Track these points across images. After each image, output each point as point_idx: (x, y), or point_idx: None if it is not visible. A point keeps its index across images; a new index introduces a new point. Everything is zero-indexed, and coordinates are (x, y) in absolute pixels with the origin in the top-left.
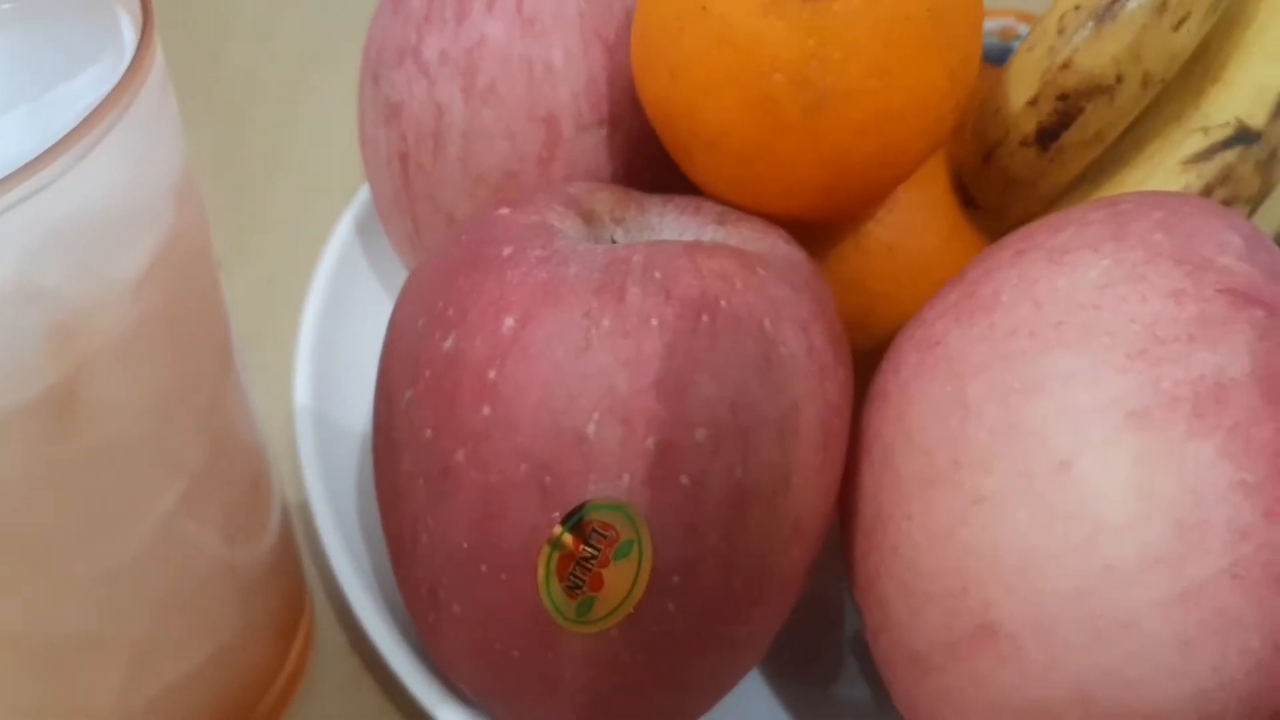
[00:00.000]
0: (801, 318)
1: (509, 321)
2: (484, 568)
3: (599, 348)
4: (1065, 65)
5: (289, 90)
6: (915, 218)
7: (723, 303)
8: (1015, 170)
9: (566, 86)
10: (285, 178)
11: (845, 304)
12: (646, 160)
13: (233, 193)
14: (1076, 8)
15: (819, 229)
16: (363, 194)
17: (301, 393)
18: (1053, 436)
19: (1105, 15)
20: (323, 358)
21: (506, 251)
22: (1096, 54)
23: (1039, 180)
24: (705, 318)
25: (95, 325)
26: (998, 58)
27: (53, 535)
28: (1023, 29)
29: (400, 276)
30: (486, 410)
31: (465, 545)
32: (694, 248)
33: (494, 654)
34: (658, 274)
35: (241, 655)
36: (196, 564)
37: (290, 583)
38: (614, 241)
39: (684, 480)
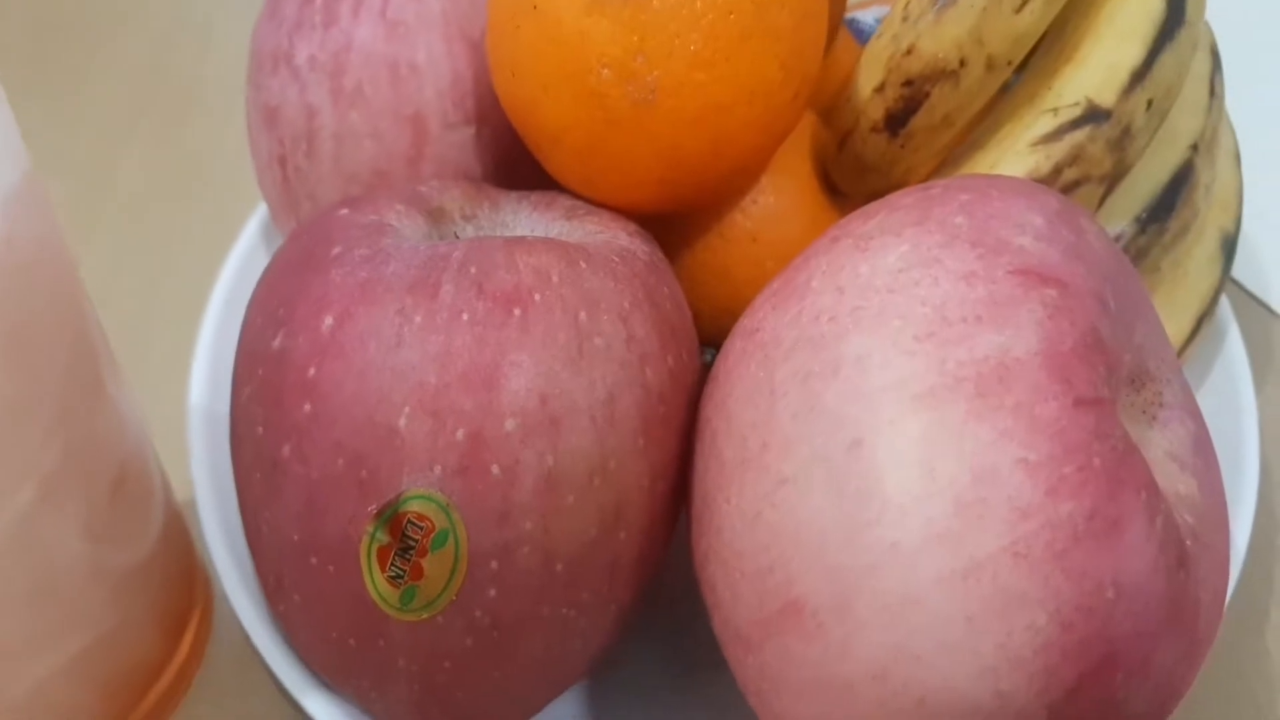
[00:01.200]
0: (622, 308)
1: (328, 320)
2: (314, 559)
3: (410, 343)
4: (909, 51)
5: (225, 98)
6: (778, 206)
7: (536, 296)
8: (868, 157)
9: (431, 86)
10: (210, 182)
11: (713, 292)
12: (516, 156)
13: (156, 196)
14: None
15: (686, 220)
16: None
17: (196, 391)
18: (846, 418)
19: (946, 0)
20: (220, 357)
21: (335, 251)
22: (938, 38)
23: (892, 166)
24: (517, 311)
25: None
26: None
27: None
28: None
29: None
30: (307, 406)
31: (296, 537)
32: (515, 243)
33: (334, 643)
34: (473, 270)
35: (120, 649)
36: (58, 561)
37: (177, 577)
38: (458, 238)
39: (495, 470)
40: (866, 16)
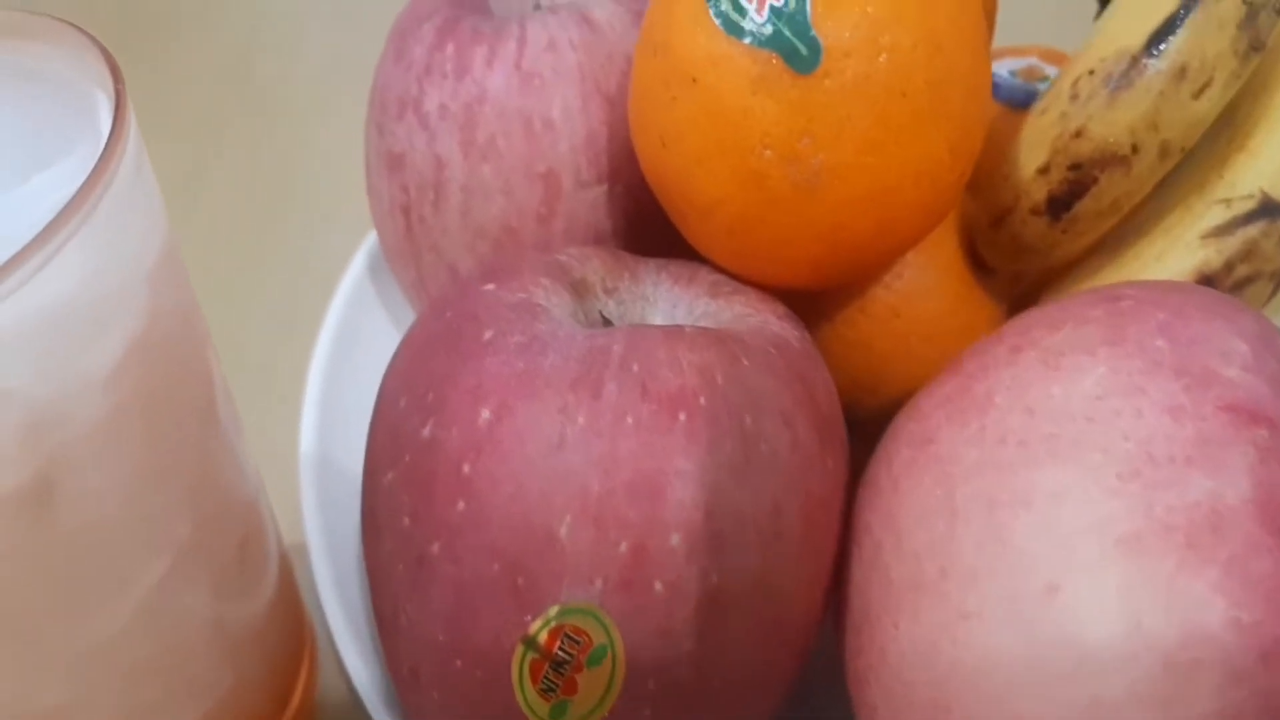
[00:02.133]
0: (785, 409)
1: (484, 414)
2: (459, 662)
3: (573, 446)
4: (1078, 133)
5: (314, 107)
6: (922, 282)
7: (701, 400)
8: (1026, 238)
9: (565, 142)
10: (304, 203)
11: (852, 365)
12: (648, 216)
13: (252, 217)
14: (1090, 72)
15: (827, 293)
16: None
17: (307, 438)
18: (1040, 557)
19: (1121, 82)
20: (330, 399)
21: (487, 335)
22: (1111, 123)
23: (1051, 249)
24: (683, 416)
25: (67, 418)
26: (1021, 101)
27: (32, 613)
28: (1049, 69)
29: (411, 318)
30: (461, 505)
31: (441, 638)
32: (675, 337)
33: None
34: (636, 367)
35: (235, 711)
36: (183, 631)
37: (288, 631)
38: (604, 316)
39: (658, 587)
40: (1000, 69)
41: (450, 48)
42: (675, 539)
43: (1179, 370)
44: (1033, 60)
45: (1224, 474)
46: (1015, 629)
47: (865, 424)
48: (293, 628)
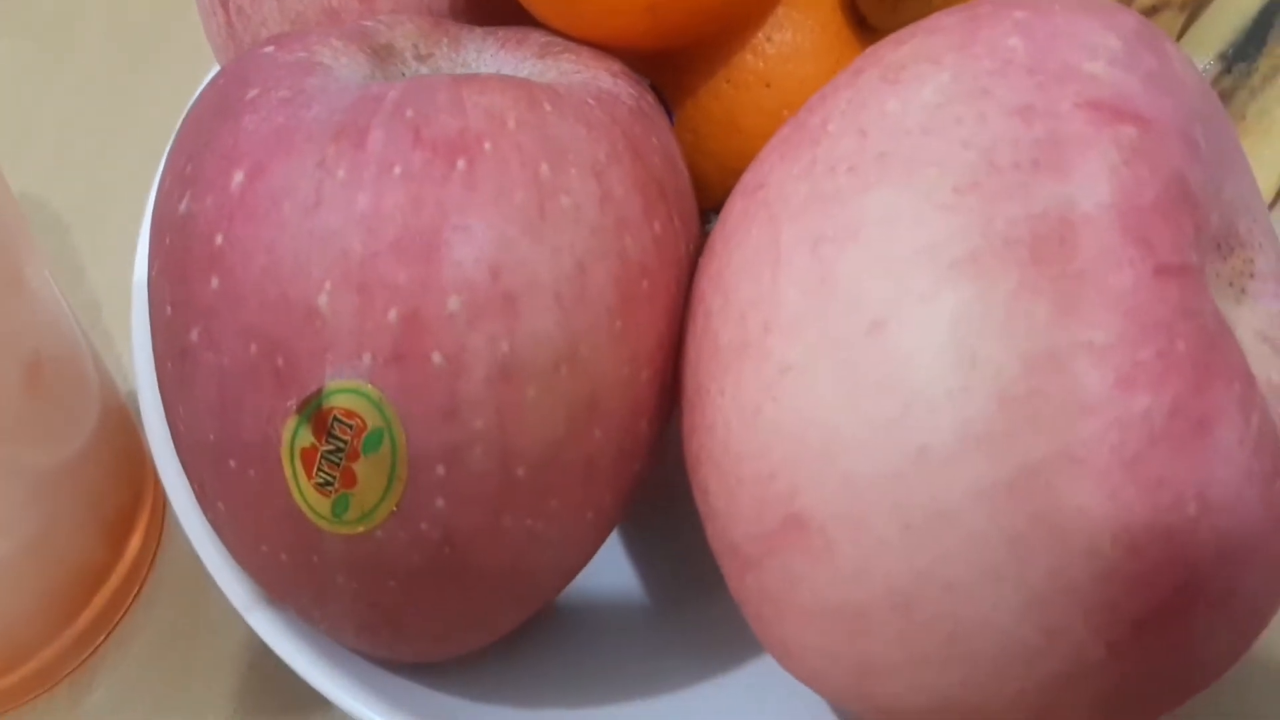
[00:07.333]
0: (596, 161)
1: (238, 176)
2: (232, 463)
3: (331, 203)
4: None
5: None
6: (796, 45)
7: (486, 145)
8: None
9: None
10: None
11: (719, 147)
12: None
13: (120, 40)
14: None
15: (687, 63)
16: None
17: (142, 267)
18: (866, 292)
19: None
20: None
21: (251, 94)
22: None
23: None
24: (461, 163)
25: None
26: None
27: None
28: None
29: None
30: (215, 281)
31: (212, 437)
32: (464, 81)
33: (264, 557)
34: (410, 113)
35: (53, 552)
36: None
37: (118, 474)
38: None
39: (436, 358)
40: None
41: None
42: (454, 303)
43: (1033, 68)
44: None
45: (1079, 178)
46: (837, 377)
47: None
48: (127, 473)
